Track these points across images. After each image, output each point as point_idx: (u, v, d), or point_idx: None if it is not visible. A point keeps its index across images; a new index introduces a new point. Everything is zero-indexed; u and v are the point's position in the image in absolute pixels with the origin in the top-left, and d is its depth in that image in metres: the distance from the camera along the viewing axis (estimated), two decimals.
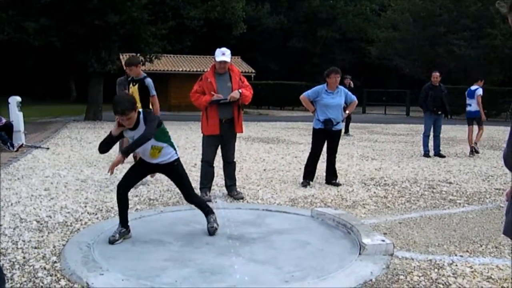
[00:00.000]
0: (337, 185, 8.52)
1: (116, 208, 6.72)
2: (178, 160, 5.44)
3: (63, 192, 7.74)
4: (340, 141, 8.90)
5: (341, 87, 8.59)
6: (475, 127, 13.15)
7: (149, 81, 8.19)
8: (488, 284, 4.23)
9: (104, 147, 5.18)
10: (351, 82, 18.10)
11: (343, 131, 10.86)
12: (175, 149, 5.40)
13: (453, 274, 4.45)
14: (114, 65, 23.47)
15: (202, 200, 5.99)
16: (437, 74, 12.54)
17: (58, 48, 22.89)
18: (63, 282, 4.15)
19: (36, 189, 7.89)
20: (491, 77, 36.61)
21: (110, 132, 5.16)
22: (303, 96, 8.61)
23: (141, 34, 22.80)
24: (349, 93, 8.69)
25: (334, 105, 8.35)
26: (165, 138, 5.29)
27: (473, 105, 13.08)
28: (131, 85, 8.34)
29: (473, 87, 13.05)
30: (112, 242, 5.17)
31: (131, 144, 5.00)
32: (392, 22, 42.17)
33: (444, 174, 9.87)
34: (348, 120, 18.23)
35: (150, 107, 8.27)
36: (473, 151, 12.99)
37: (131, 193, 7.64)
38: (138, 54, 24.62)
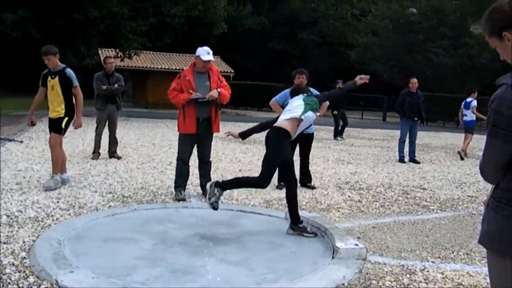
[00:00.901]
0: (312, 188, 8.52)
1: (89, 204, 6.67)
2: None
3: (36, 186, 7.62)
4: (317, 144, 8.92)
5: (310, 89, 8.56)
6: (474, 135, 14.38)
7: (70, 71, 7.53)
8: None
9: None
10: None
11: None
12: None
13: (424, 279, 4.47)
14: (92, 60, 23.27)
15: None
16: (415, 80, 12.66)
17: (37, 40, 22.63)
18: (31, 279, 4.08)
19: (7, 183, 7.76)
20: (467, 86, 37.05)
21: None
22: (272, 102, 8.55)
23: (121, 29, 22.64)
24: (319, 94, 8.62)
25: None
26: None
27: (468, 115, 14.18)
28: (49, 78, 7.54)
29: (468, 99, 14.24)
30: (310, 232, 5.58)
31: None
32: (372, 27, 42.47)
33: (418, 180, 9.95)
34: (343, 124, 18.43)
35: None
36: (462, 156, 13.87)
37: (104, 190, 7.57)
38: (117, 50, 24.45)
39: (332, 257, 4.86)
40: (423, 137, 19.66)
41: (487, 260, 2.36)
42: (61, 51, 7.65)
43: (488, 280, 2.41)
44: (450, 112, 32.37)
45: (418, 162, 12.54)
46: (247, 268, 4.52)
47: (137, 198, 7.21)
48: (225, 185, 5.54)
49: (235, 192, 7.91)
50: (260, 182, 5.53)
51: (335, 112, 18.23)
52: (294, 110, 5.63)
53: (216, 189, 5.43)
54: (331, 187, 8.74)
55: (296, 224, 5.62)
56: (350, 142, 17.39)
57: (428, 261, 5.04)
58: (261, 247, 5.17)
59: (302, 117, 5.56)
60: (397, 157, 12.79)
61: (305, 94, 5.94)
